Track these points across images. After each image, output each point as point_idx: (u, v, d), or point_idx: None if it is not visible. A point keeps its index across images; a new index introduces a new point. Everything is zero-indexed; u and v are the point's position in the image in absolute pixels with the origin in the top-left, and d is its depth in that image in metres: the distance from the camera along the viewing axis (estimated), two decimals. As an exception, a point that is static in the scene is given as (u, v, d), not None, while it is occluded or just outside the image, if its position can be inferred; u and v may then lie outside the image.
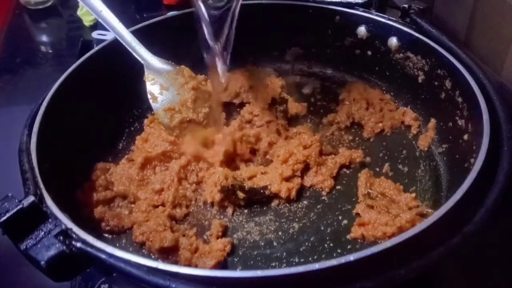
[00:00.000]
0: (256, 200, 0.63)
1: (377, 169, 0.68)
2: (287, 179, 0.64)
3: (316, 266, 0.40)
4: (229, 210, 0.63)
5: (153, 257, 0.57)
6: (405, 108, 0.77)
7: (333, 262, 0.40)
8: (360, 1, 0.79)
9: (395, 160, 0.69)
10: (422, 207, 0.60)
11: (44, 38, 1.12)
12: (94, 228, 0.60)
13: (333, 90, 0.83)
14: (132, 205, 0.64)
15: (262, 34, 0.85)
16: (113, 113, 0.74)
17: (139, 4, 1.08)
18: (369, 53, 0.81)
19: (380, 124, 0.75)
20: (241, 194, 0.62)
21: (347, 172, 0.68)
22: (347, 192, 0.65)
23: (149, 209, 0.62)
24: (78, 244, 0.43)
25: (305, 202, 0.64)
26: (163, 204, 0.63)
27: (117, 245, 0.60)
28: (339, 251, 0.57)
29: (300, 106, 0.78)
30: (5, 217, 0.43)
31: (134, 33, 0.73)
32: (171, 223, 0.60)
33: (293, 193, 0.63)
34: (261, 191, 0.63)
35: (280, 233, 0.60)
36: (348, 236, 0.59)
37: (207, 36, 0.65)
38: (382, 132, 0.74)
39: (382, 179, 0.64)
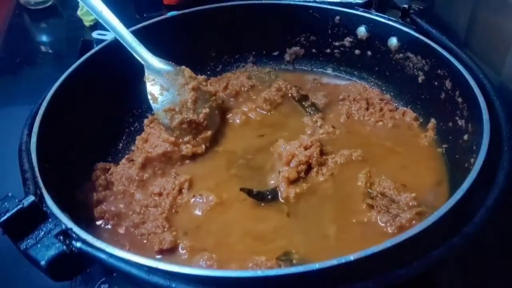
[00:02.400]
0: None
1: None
2: (293, 182, 0.65)
3: (316, 266, 0.40)
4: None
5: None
6: (405, 108, 0.77)
7: (333, 262, 0.40)
8: (360, 1, 0.79)
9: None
10: (422, 207, 0.59)
11: (44, 38, 1.12)
12: (94, 228, 0.60)
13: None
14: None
15: (262, 34, 0.85)
16: (113, 113, 0.74)
17: (139, 4, 1.08)
18: (369, 53, 0.81)
19: (380, 124, 0.75)
20: None
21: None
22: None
23: (143, 210, 0.62)
24: (78, 244, 0.43)
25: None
26: (156, 206, 0.63)
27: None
28: (339, 251, 0.57)
29: (322, 96, 0.80)
30: (5, 217, 0.43)
31: (134, 33, 0.73)
32: (169, 225, 0.60)
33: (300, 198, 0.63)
34: (268, 193, 0.63)
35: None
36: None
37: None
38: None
39: (382, 179, 0.64)
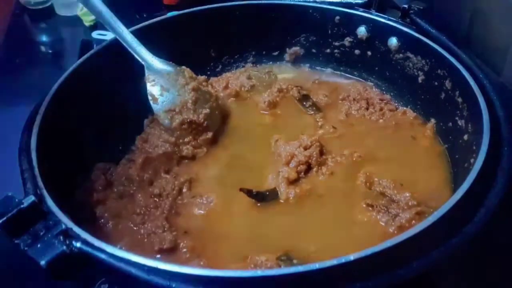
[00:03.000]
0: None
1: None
2: (293, 182, 0.65)
3: (316, 266, 0.40)
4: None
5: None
6: (405, 108, 0.77)
7: (333, 261, 0.40)
8: (360, 1, 0.79)
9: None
10: (422, 207, 0.59)
11: (44, 38, 1.12)
12: (94, 228, 0.60)
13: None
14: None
15: (262, 34, 0.85)
16: (113, 113, 0.74)
17: (139, 4, 1.08)
18: (369, 53, 0.81)
19: (380, 123, 0.74)
20: None
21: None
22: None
23: (143, 211, 0.62)
24: (78, 244, 0.43)
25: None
26: (156, 207, 0.63)
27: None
28: (339, 251, 0.57)
29: (322, 96, 0.80)
30: (5, 217, 0.43)
31: (134, 33, 0.73)
32: (169, 225, 0.60)
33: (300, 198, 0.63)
34: (267, 194, 0.63)
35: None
36: (348, 236, 0.59)
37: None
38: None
39: (382, 179, 0.64)
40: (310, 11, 0.81)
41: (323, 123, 0.75)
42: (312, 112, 0.78)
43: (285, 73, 0.87)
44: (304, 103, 0.79)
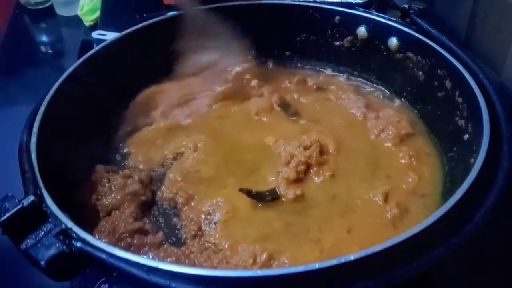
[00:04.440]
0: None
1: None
2: (293, 182, 0.64)
3: (316, 265, 0.40)
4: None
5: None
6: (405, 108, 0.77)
7: (333, 261, 0.40)
8: (360, 1, 0.79)
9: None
10: (422, 207, 0.60)
11: (44, 38, 1.12)
12: (94, 228, 0.60)
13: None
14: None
15: (262, 34, 0.85)
16: (113, 113, 0.74)
17: (139, 4, 1.08)
18: (369, 53, 0.81)
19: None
20: None
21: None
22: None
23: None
24: (78, 244, 0.43)
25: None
26: None
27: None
28: (339, 251, 0.57)
29: None
30: (5, 217, 0.43)
31: (134, 33, 0.73)
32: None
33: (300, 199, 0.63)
34: (267, 194, 0.63)
35: (280, 233, 0.60)
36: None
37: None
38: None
39: (381, 179, 0.64)
40: (310, 11, 0.81)
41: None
42: None
43: (284, 72, 0.87)
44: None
